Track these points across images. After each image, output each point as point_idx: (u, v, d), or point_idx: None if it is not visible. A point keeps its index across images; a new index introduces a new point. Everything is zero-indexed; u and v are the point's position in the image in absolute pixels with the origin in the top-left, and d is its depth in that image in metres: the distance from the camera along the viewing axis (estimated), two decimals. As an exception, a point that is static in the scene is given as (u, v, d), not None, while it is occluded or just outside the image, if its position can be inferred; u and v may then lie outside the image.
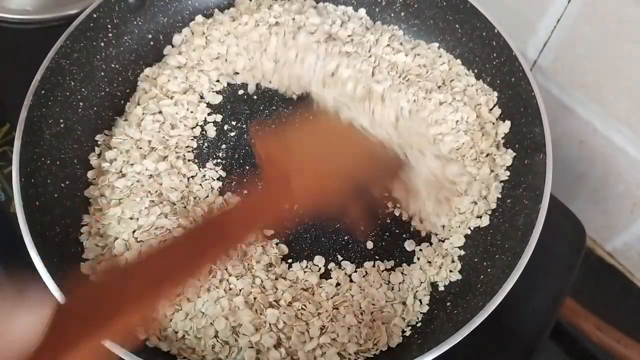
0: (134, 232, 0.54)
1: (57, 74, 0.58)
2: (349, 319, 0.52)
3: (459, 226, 0.57)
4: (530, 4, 0.65)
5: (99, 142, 0.61)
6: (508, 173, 0.59)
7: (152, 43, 0.68)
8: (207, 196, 0.59)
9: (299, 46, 0.63)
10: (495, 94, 0.64)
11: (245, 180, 0.61)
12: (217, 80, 0.66)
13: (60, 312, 0.33)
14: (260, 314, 0.50)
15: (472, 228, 0.58)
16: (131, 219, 0.55)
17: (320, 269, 0.55)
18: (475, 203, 0.58)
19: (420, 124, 0.59)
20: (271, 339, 0.49)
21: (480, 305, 0.48)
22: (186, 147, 0.62)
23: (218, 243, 0.39)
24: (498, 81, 0.63)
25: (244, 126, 0.64)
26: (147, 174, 0.58)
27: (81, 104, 0.61)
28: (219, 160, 0.62)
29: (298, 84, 0.64)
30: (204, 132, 0.63)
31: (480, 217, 0.58)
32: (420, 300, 0.54)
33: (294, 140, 0.47)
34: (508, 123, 0.62)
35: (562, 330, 0.65)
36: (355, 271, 0.55)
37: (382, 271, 0.55)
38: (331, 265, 0.56)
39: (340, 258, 0.56)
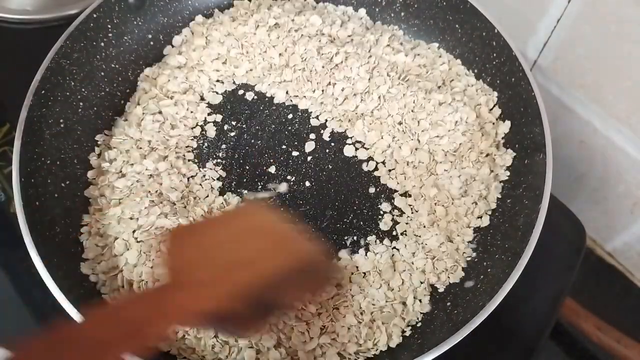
0: (134, 232, 0.54)
1: (57, 74, 0.58)
2: (349, 319, 0.52)
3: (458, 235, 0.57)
4: (530, 4, 0.65)
5: (99, 142, 0.61)
6: (508, 173, 0.59)
7: (152, 43, 0.68)
8: (207, 196, 0.59)
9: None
10: (495, 94, 0.64)
11: (246, 180, 0.61)
12: (217, 81, 0.66)
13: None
14: (260, 314, 0.50)
15: (472, 228, 0.58)
16: (131, 219, 0.55)
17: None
18: (476, 203, 0.58)
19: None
20: (271, 339, 0.49)
21: (480, 305, 0.48)
22: (186, 147, 0.62)
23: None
24: (498, 81, 0.63)
25: (244, 126, 0.64)
26: (147, 174, 0.58)
27: (81, 104, 0.61)
28: (219, 160, 0.62)
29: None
30: (204, 132, 0.63)
31: (480, 217, 0.58)
32: (420, 300, 0.54)
33: (208, 239, 0.41)
34: (508, 123, 0.62)
35: (562, 330, 0.64)
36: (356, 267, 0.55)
37: (382, 271, 0.55)
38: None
39: (340, 255, 0.56)
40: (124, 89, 0.65)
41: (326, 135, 0.64)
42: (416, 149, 0.61)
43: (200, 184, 0.59)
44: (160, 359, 0.49)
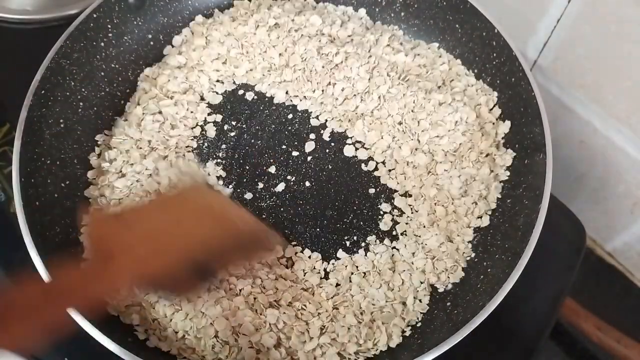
0: (134, 232, 0.54)
1: (57, 74, 0.58)
2: (349, 319, 0.52)
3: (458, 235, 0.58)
4: (530, 4, 0.65)
5: (99, 142, 0.61)
6: (508, 173, 0.59)
7: (152, 43, 0.68)
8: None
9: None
10: (495, 94, 0.64)
11: (245, 180, 0.61)
12: (217, 81, 0.66)
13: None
14: (260, 314, 0.50)
15: (472, 228, 0.58)
16: (131, 219, 0.55)
17: (319, 271, 0.56)
18: (475, 203, 0.58)
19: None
20: (271, 339, 0.49)
21: (480, 305, 0.48)
22: (186, 147, 0.62)
23: None
24: (498, 81, 0.63)
25: (244, 126, 0.64)
26: (147, 174, 0.58)
27: (81, 104, 0.61)
28: (219, 160, 0.62)
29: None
30: (204, 132, 0.63)
31: (480, 217, 0.58)
32: (420, 300, 0.54)
33: (136, 218, 0.43)
34: (508, 123, 0.62)
35: (562, 330, 0.65)
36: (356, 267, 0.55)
37: (382, 271, 0.55)
38: (330, 262, 0.56)
39: (340, 255, 0.56)
40: (124, 89, 0.65)
41: (326, 135, 0.64)
42: (416, 149, 0.61)
43: (200, 184, 0.59)
44: (160, 359, 0.49)
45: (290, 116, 0.65)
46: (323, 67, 0.64)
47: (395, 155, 0.61)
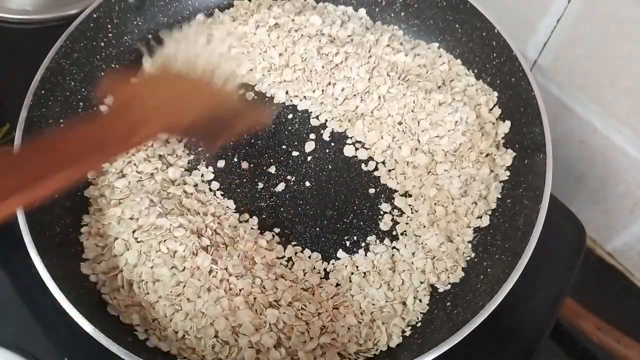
0: (133, 232, 0.54)
1: (57, 74, 0.58)
2: (349, 319, 0.52)
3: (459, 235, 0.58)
4: (530, 4, 0.65)
5: (99, 142, 0.61)
6: (508, 173, 0.59)
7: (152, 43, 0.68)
8: (206, 194, 0.59)
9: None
10: (495, 94, 0.64)
11: (245, 180, 0.61)
12: (217, 80, 0.66)
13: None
14: (260, 314, 0.50)
15: (472, 228, 0.58)
16: (131, 219, 0.55)
17: (319, 271, 0.56)
18: (475, 203, 0.58)
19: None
20: (271, 339, 0.49)
21: (480, 305, 0.48)
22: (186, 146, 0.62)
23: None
24: (498, 81, 0.63)
25: (244, 126, 0.64)
26: (147, 174, 0.58)
27: (81, 104, 0.61)
28: (218, 160, 0.62)
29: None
30: (204, 132, 0.63)
31: (480, 217, 0.58)
32: (420, 300, 0.54)
33: (144, 83, 0.53)
34: (508, 123, 0.62)
35: (562, 330, 0.65)
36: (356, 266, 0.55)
37: (382, 271, 0.55)
38: (330, 262, 0.56)
39: (340, 255, 0.56)
40: (124, 89, 0.65)
41: (326, 135, 0.64)
42: (416, 149, 0.61)
43: (200, 184, 0.59)
44: (160, 359, 0.49)
45: (290, 116, 0.65)
46: (323, 67, 0.64)
47: (395, 155, 0.61)
